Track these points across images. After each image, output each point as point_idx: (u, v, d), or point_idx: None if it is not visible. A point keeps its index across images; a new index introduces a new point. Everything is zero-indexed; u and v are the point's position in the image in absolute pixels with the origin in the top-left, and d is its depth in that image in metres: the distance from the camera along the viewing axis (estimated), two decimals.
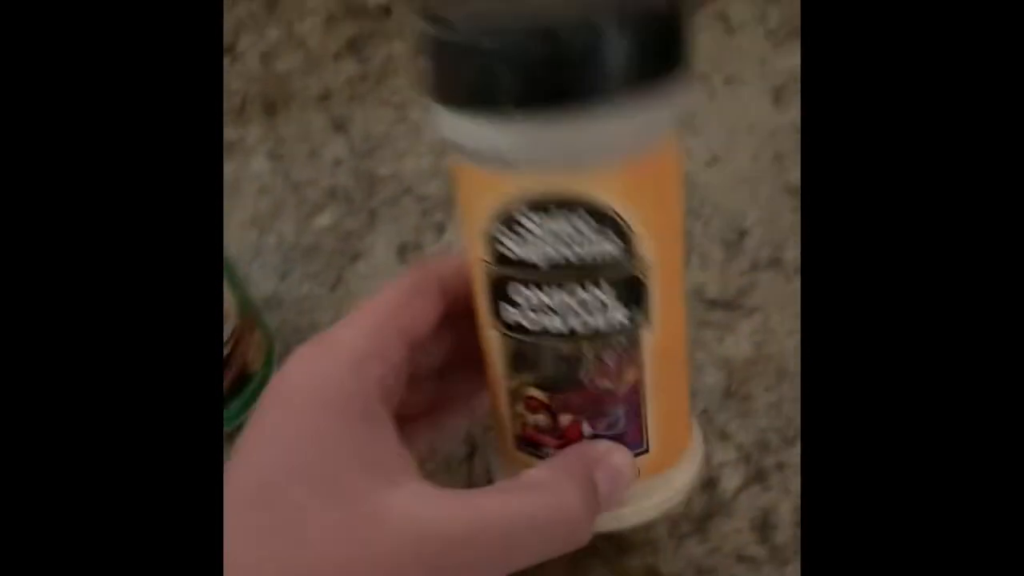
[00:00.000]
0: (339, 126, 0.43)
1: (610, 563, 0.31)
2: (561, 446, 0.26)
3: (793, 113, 0.41)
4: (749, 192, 0.39)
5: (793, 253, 0.38)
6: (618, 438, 0.27)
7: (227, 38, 0.46)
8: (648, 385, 0.26)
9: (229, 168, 0.41)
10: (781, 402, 0.34)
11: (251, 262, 0.39)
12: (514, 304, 0.24)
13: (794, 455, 0.33)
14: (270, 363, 0.35)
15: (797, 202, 0.39)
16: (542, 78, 0.21)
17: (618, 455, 0.26)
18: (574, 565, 0.32)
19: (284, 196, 0.40)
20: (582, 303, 0.24)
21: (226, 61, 0.45)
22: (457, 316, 0.27)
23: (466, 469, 0.33)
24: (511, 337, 0.25)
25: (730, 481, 0.33)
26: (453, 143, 0.23)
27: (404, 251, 0.39)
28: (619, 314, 0.24)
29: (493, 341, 0.26)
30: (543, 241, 0.23)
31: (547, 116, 0.21)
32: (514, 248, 0.23)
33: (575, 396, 0.26)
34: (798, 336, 0.36)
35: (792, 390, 0.35)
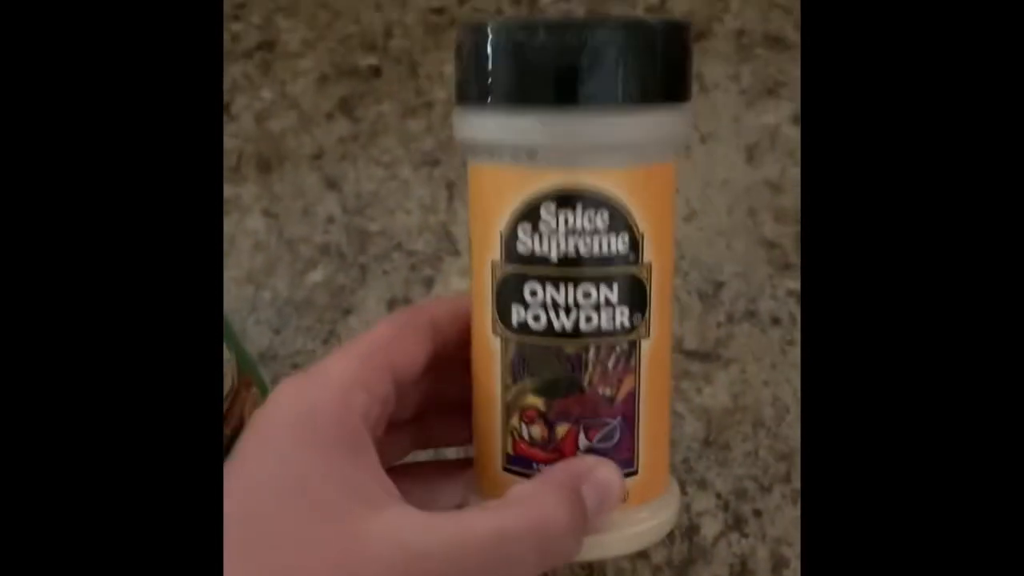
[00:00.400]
0: (331, 184, 0.44)
1: None
2: (553, 461, 0.27)
3: (766, 170, 0.43)
4: (725, 245, 0.41)
5: (768, 305, 0.39)
6: (611, 454, 0.27)
7: (223, 98, 0.48)
8: (643, 398, 0.27)
9: (225, 225, 0.43)
10: (758, 450, 0.36)
11: (247, 317, 0.40)
12: (522, 302, 0.26)
13: (771, 502, 0.35)
14: None
15: (771, 255, 0.40)
16: (582, 74, 0.24)
17: (606, 469, 0.26)
18: None
19: (278, 252, 0.42)
20: (589, 299, 0.25)
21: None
22: (442, 360, 0.27)
23: None
24: (515, 340, 0.26)
25: (709, 528, 0.34)
26: (483, 143, 0.25)
27: (394, 305, 0.40)
28: (622, 315, 0.26)
29: (493, 350, 0.27)
30: (560, 235, 0.25)
31: (582, 112, 0.24)
32: (531, 243, 0.25)
33: (574, 403, 0.26)
34: (774, 387, 0.37)
35: (768, 439, 0.36)
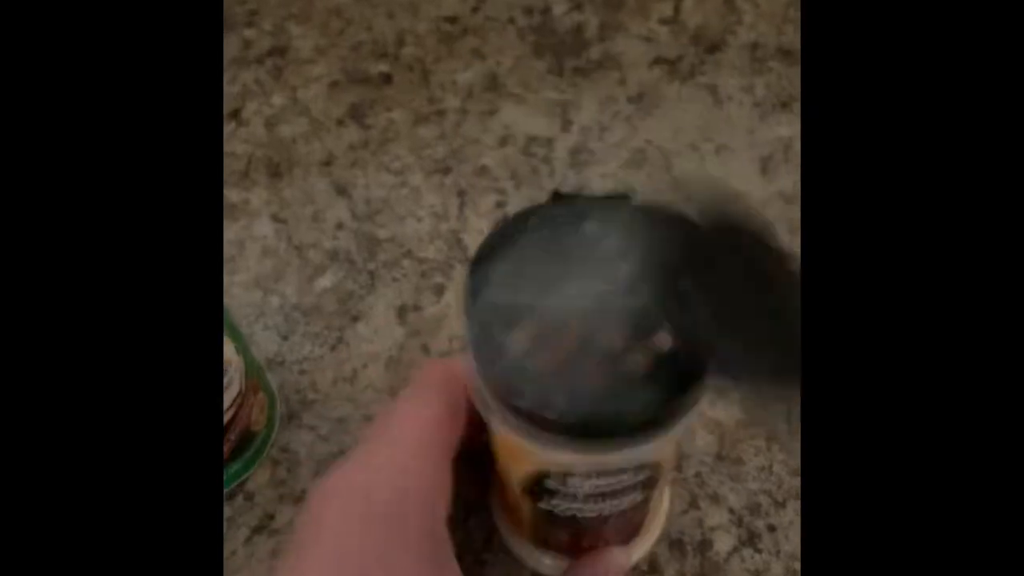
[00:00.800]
0: (341, 190, 0.44)
1: None
2: (578, 552, 0.30)
3: (780, 182, 0.43)
4: None
5: None
6: (626, 540, 0.31)
7: (233, 104, 0.47)
8: (652, 509, 0.30)
9: (234, 230, 0.42)
10: (771, 465, 0.35)
11: (254, 322, 0.39)
12: (549, 503, 0.27)
13: (784, 517, 0.34)
14: (271, 422, 0.36)
15: None
16: (600, 431, 0.22)
17: (621, 557, 0.30)
18: None
19: (287, 258, 0.42)
20: (613, 503, 0.26)
21: (231, 126, 0.46)
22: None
23: (462, 532, 0.34)
24: (544, 512, 0.27)
25: (723, 544, 0.34)
26: (519, 434, 0.23)
27: (403, 312, 0.40)
28: (640, 497, 0.27)
29: (522, 503, 0.28)
30: (587, 489, 0.25)
31: (600, 447, 0.23)
32: (559, 488, 0.25)
33: (598, 537, 0.29)
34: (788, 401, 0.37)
35: (782, 454, 0.35)
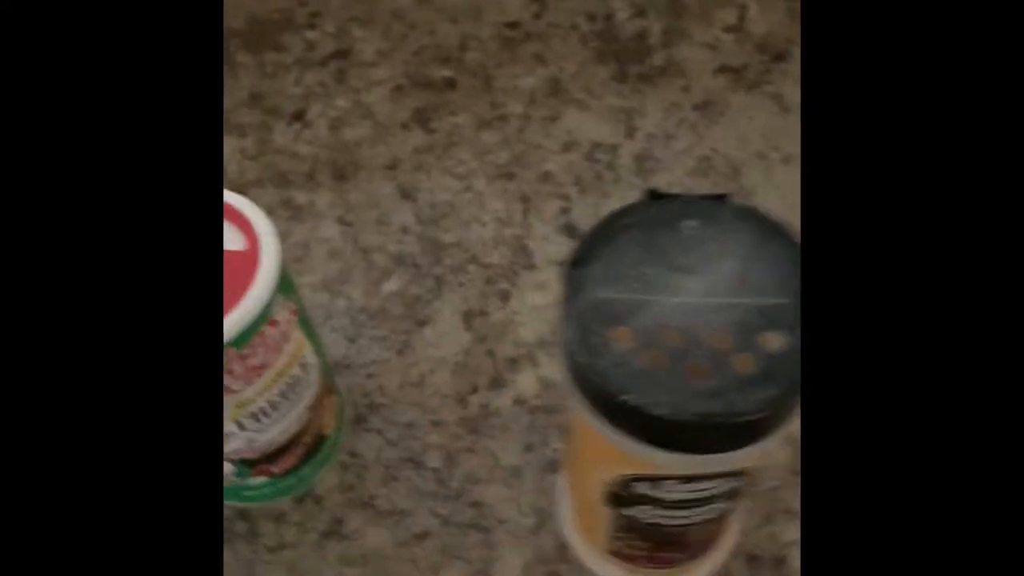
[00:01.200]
0: (406, 194, 0.44)
1: None
2: (655, 564, 0.30)
3: None
4: None
5: None
6: (703, 553, 0.30)
7: (297, 105, 0.47)
8: (735, 513, 0.29)
9: (300, 231, 0.42)
10: None
11: (322, 324, 0.39)
12: (631, 509, 0.26)
13: None
14: (341, 426, 0.36)
15: None
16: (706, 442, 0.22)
17: None
18: None
19: (353, 260, 0.41)
20: (698, 511, 0.26)
21: (296, 128, 0.47)
22: None
23: (536, 542, 0.34)
24: (625, 518, 0.27)
25: (796, 560, 0.33)
26: (610, 438, 0.23)
27: (470, 317, 0.40)
28: (726, 506, 0.27)
29: (601, 510, 0.28)
30: (676, 493, 0.25)
31: (704, 448, 0.23)
32: (647, 492, 0.25)
33: (676, 548, 0.29)
34: None
35: None
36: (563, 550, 0.33)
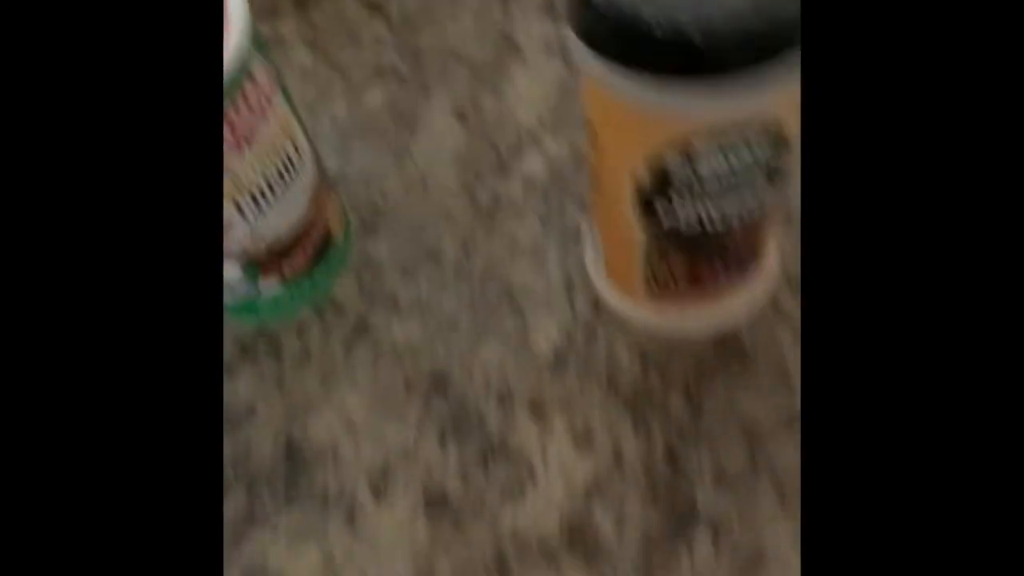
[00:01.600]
0: (374, 7, 0.41)
1: (735, 372, 0.30)
2: (694, 288, 0.28)
3: None
4: None
5: None
6: (744, 270, 0.28)
7: None
8: (770, 229, 0.27)
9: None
10: None
11: None
12: (671, 212, 0.25)
13: None
14: (348, 231, 0.34)
15: None
16: (755, 45, 0.20)
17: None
18: (698, 377, 0.30)
19: (330, 80, 0.39)
20: (736, 204, 0.24)
21: None
22: None
23: (568, 305, 0.32)
24: (662, 234, 0.26)
25: None
26: (629, 94, 0.22)
27: (463, 115, 0.37)
28: (768, 194, 0.25)
29: (635, 229, 0.26)
30: (711, 162, 0.23)
31: (754, 73, 0.20)
32: (680, 169, 0.23)
33: (717, 259, 0.27)
34: None
35: None
36: (597, 308, 0.32)
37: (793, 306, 0.31)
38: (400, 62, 0.39)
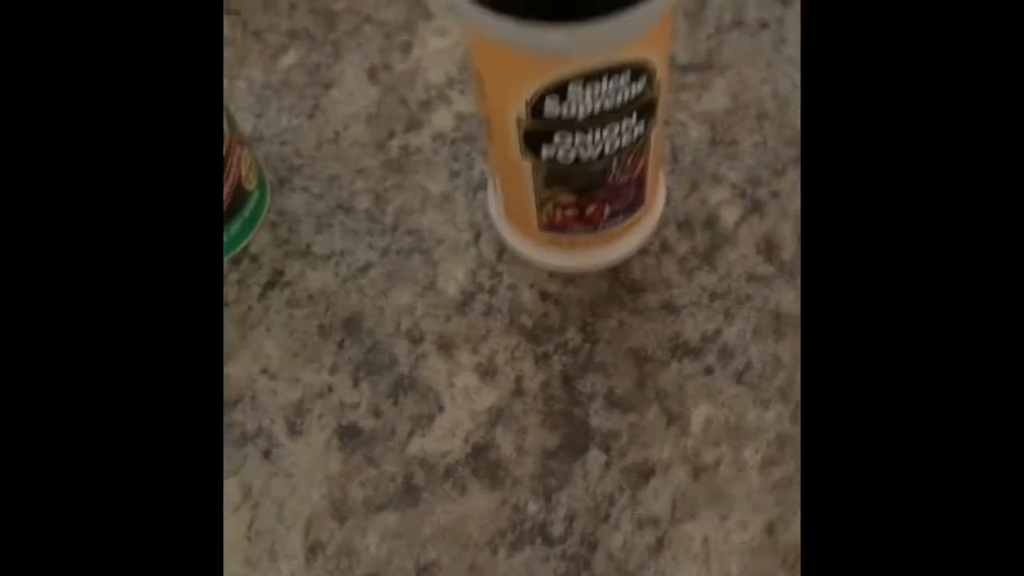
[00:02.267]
0: None
1: (626, 305, 0.32)
2: (584, 226, 0.30)
3: None
4: None
5: (754, 14, 0.39)
6: (629, 207, 0.30)
7: None
8: (651, 162, 0.29)
9: None
10: (766, 141, 0.35)
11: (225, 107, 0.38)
12: (551, 144, 0.27)
13: (787, 183, 0.34)
14: (263, 187, 0.35)
15: None
16: None
17: None
18: (593, 311, 0.32)
19: (247, 45, 0.40)
20: (612, 132, 0.26)
21: None
22: None
23: (475, 251, 0.34)
24: (546, 166, 0.28)
25: (729, 216, 0.34)
26: (505, 40, 0.23)
27: (375, 73, 0.39)
28: (640, 128, 0.27)
29: (523, 167, 0.28)
30: (586, 102, 0.25)
31: (620, 16, 0.22)
32: (558, 110, 0.25)
33: (600, 192, 0.29)
34: (772, 83, 0.37)
35: (774, 127, 0.36)
36: (502, 253, 0.34)
37: (677, 241, 0.33)
38: (314, 25, 0.41)
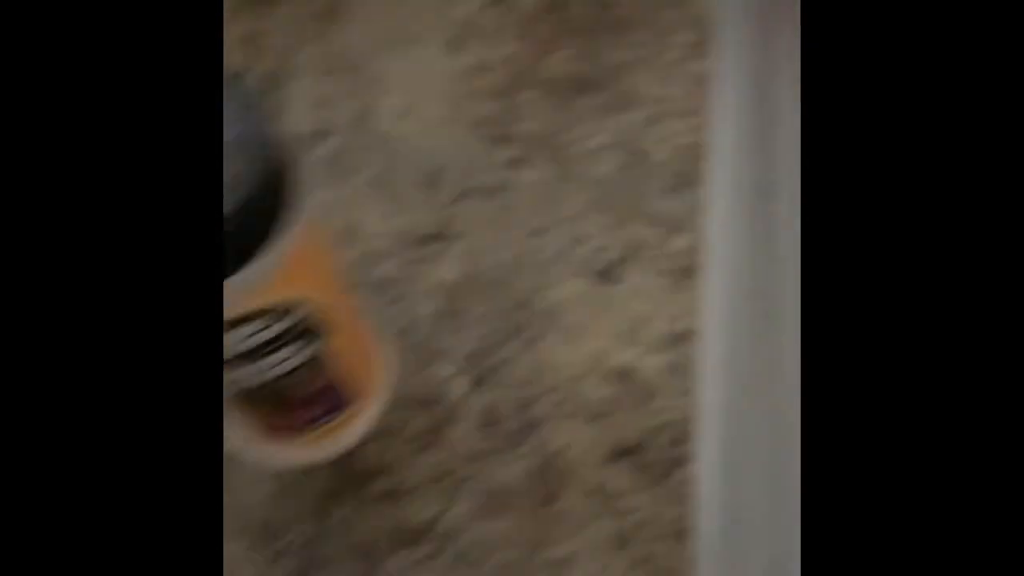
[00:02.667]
0: None
1: (357, 495, 0.33)
2: (288, 432, 0.31)
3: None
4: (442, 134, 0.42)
5: (490, 178, 0.41)
6: (338, 407, 0.31)
7: None
8: (343, 369, 0.30)
9: None
10: (492, 312, 0.37)
11: None
12: (236, 369, 0.27)
13: (511, 350, 0.36)
14: None
15: (486, 132, 0.41)
16: None
17: None
18: (323, 509, 0.33)
19: None
20: (269, 364, 0.27)
21: None
22: None
23: None
24: (240, 392, 0.28)
25: (454, 392, 0.35)
26: None
27: None
28: (307, 351, 0.28)
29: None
30: (255, 328, 0.26)
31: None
32: (235, 335, 0.26)
33: (289, 410, 0.30)
34: (507, 252, 0.39)
35: (505, 300, 0.37)
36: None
37: (407, 420, 0.35)
38: None
